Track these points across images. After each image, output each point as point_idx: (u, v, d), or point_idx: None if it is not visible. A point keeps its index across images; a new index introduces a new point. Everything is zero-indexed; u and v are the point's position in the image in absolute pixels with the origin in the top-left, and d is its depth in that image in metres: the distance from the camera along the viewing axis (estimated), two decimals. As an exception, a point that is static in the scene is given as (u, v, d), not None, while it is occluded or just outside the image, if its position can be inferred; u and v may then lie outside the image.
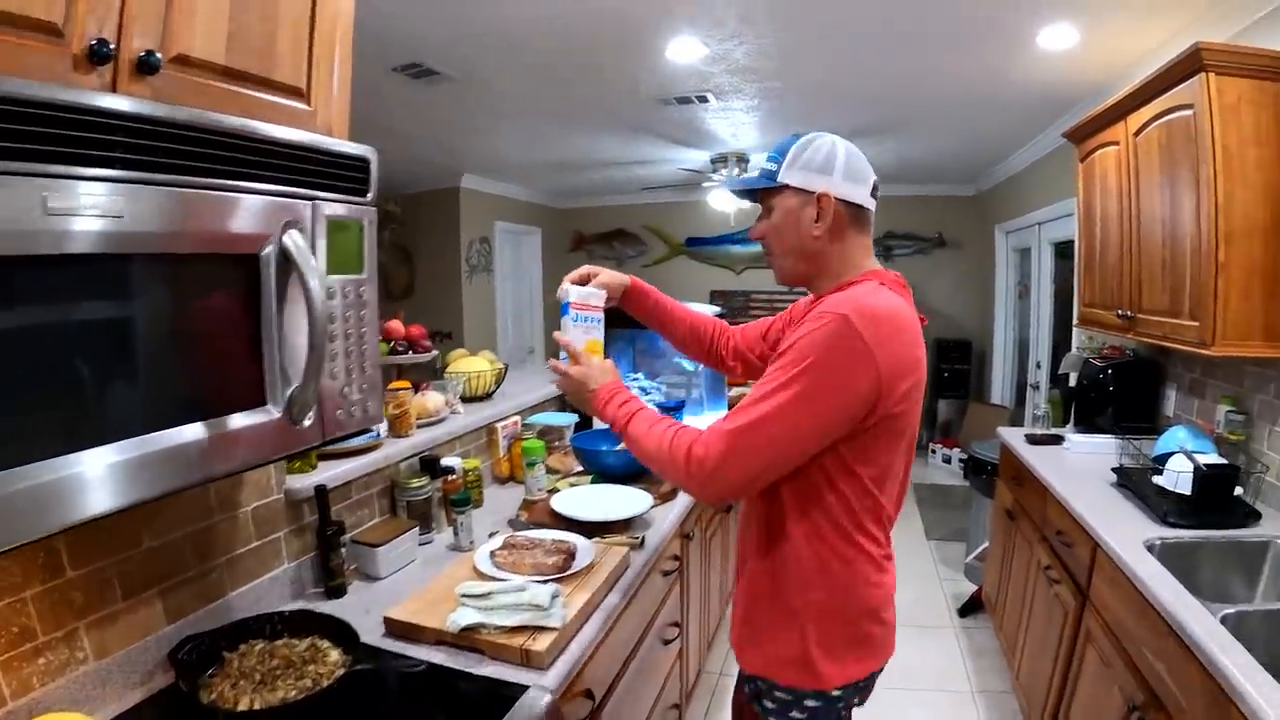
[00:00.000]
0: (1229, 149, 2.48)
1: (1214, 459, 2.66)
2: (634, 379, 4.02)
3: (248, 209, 1.30)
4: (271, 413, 1.40)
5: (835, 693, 1.63)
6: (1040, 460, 3.40)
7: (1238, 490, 2.63)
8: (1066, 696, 2.74)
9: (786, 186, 1.64)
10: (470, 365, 3.44)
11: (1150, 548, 2.37)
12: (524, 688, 1.64)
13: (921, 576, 5.10)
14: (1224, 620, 1.90)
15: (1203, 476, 2.56)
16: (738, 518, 1.84)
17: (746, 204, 7.10)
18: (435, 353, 3.22)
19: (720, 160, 6.72)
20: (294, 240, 1.36)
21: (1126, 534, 2.45)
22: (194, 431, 1.26)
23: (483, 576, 2.05)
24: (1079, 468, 3.26)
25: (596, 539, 2.37)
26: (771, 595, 1.66)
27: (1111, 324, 3.45)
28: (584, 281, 1.95)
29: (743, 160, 6.64)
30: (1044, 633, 3.03)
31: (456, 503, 2.46)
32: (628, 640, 2.29)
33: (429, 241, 8.18)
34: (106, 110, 1.07)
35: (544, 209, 9.72)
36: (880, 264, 1.70)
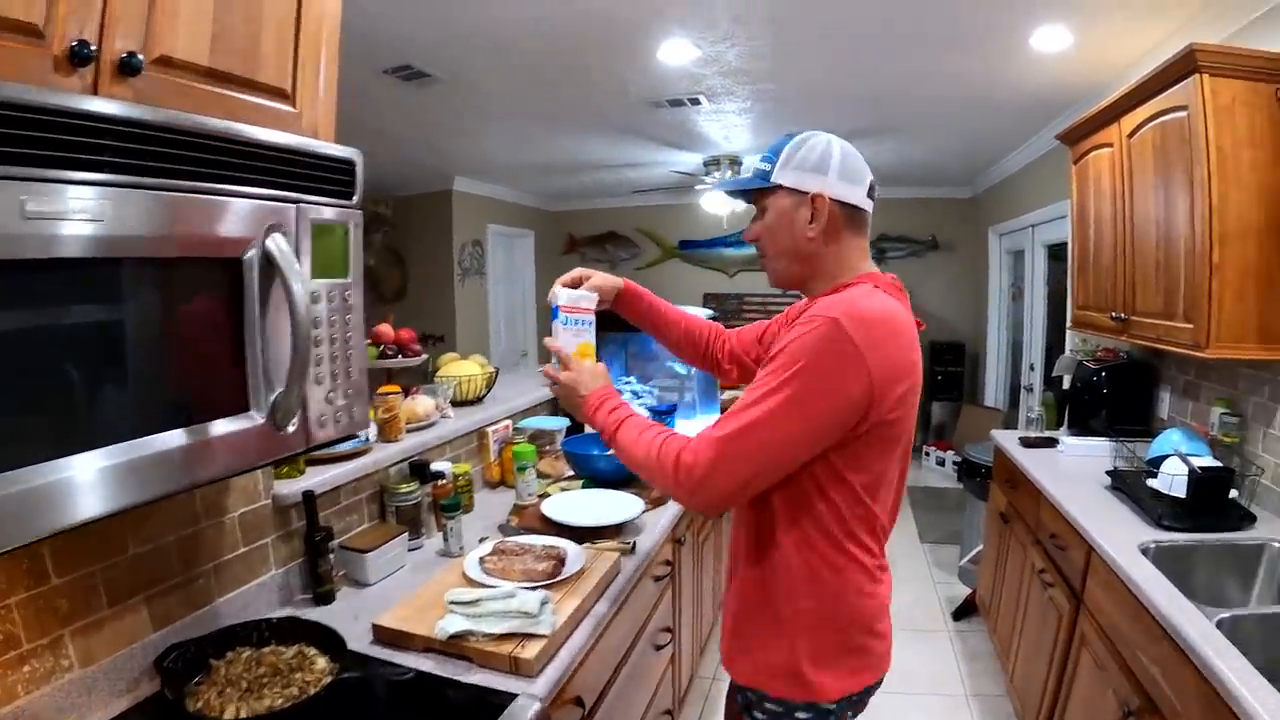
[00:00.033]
0: (1223, 150, 2.47)
1: (1208, 462, 2.65)
2: (626, 382, 4.00)
3: (230, 212, 1.28)
4: (255, 418, 1.38)
5: (828, 705, 1.60)
6: (1034, 463, 3.39)
7: (1232, 493, 2.62)
8: (1061, 700, 2.73)
9: (780, 187, 1.61)
10: (461, 369, 3.42)
11: (1145, 551, 2.35)
12: (512, 696, 1.62)
13: (916, 579, 5.09)
14: (1220, 625, 1.90)
15: (1197, 479, 2.55)
16: (729, 524, 1.81)
17: (739, 206, 7.10)
18: (425, 356, 3.20)
19: (713, 163, 6.71)
20: (277, 244, 1.34)
21: (1121, 537, 2.44)
22: (175, 438, 1.24)
23: (472, 583, 2.03)
24: (1073, 471, 3.25)
25: (587, 544, 2.35)
26: (761, 604, 1.63)
27: (1105, 326, 3.44)
28: (576, 284, 1.93)
29: (736, 163, 6.63)
30: (1038, 636, 3.02)
31: (446, 508, 2.43)
32: (619, 646, 2.27)
33: (421, 244, 8.15)
34: (85, 113, 1.05)
35: (536, 211, 9.71)
36: (876, 266, 1.67)
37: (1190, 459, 2.62)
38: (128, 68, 1.17)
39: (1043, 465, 3.35)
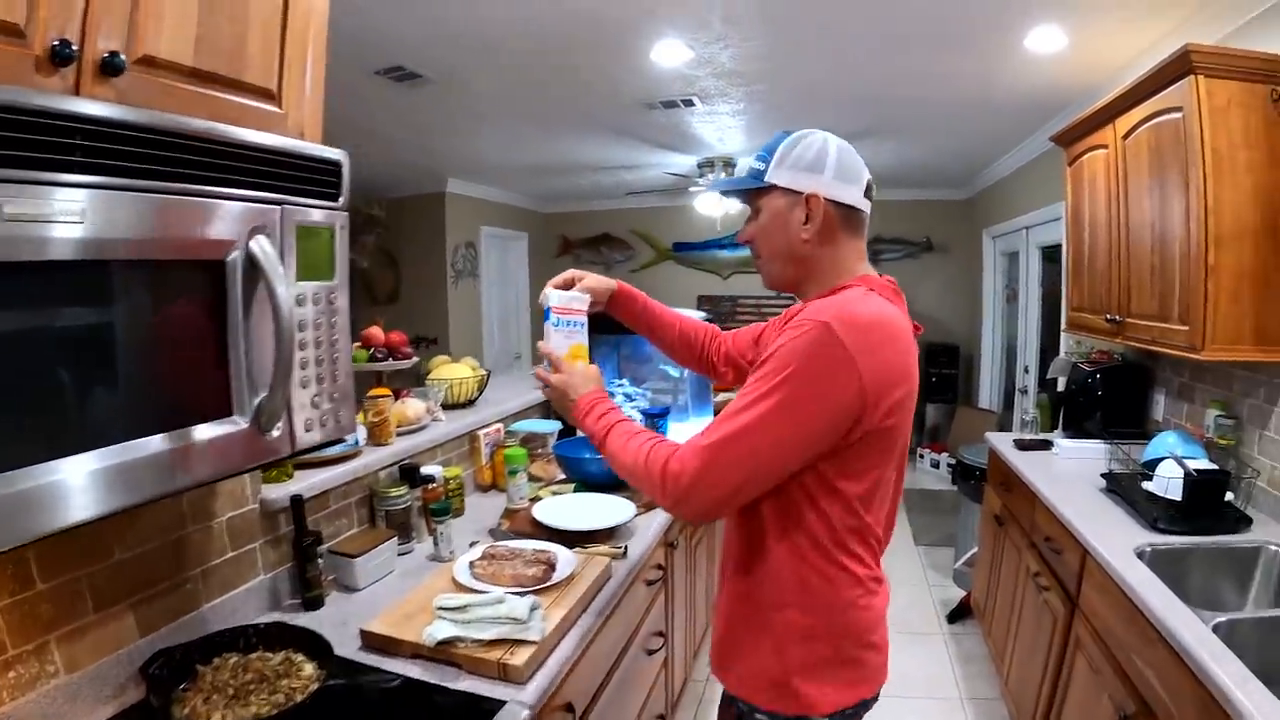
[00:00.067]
0: (1219, 152, 2.46)
1: (1204, 464, 2.64)
2: (619, 385, 3.98)
3: (213, 214, 1.27)
4: (239, 423, 1.36)
5: (821, 719, 1.56)
6: (1028, 465, 3.38)
7: (1228, 496, 2.62)
8: (1056, 704, 2.72)
9: (774, 187, 1.57)
10: (452, 372, 3.40)
11: (1140, 554, 2.34)
12: (501, 703, 1.61)
13: (910, 582, 5.08)
14: (1216, 629, 1.88)
15: (1193, 482, 2.53)
16: (722, 528, 1.78)
17: (733, 208, 7.09)
18: (416, 359, 3.18)
19: (707, 165, 6.71)
20: (261, 246, 1.33)
21: (1116, 540, 2.43)
22: (156, 443, 1.22)
23: (461, 588, 2.01)
24: (1068, 473, 3.24)
25: (578, 549, 2.33)
26: (750, 615, 1.60)
27: (1100, 328, 3.43)
28: (568, 286, 1.90)
29: (730, 165, 6.63)
30: (1033, 639, 3.01)
31: (436, 512, 2.41)
32: (610, 651, 2.25)
33: (414, 246, 8.14)
34: (66, 113, 1.04)
35: (530, 214, 9.70)
36: (873, 269, 1.64)
37: (1186, 461, 2.61)
38: (110, 68, 1.15)
39: (1037, 467, 3.34)
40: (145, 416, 1.21)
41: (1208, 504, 2.55)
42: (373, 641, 1.83)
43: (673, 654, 3.08)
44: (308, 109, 1.63)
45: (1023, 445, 3.74)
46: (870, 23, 3.48)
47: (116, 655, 1.63)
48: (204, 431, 1.30)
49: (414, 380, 3.47)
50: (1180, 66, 2.54)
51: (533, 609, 1.82)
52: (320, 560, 2.12)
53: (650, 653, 2.69)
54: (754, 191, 1.63)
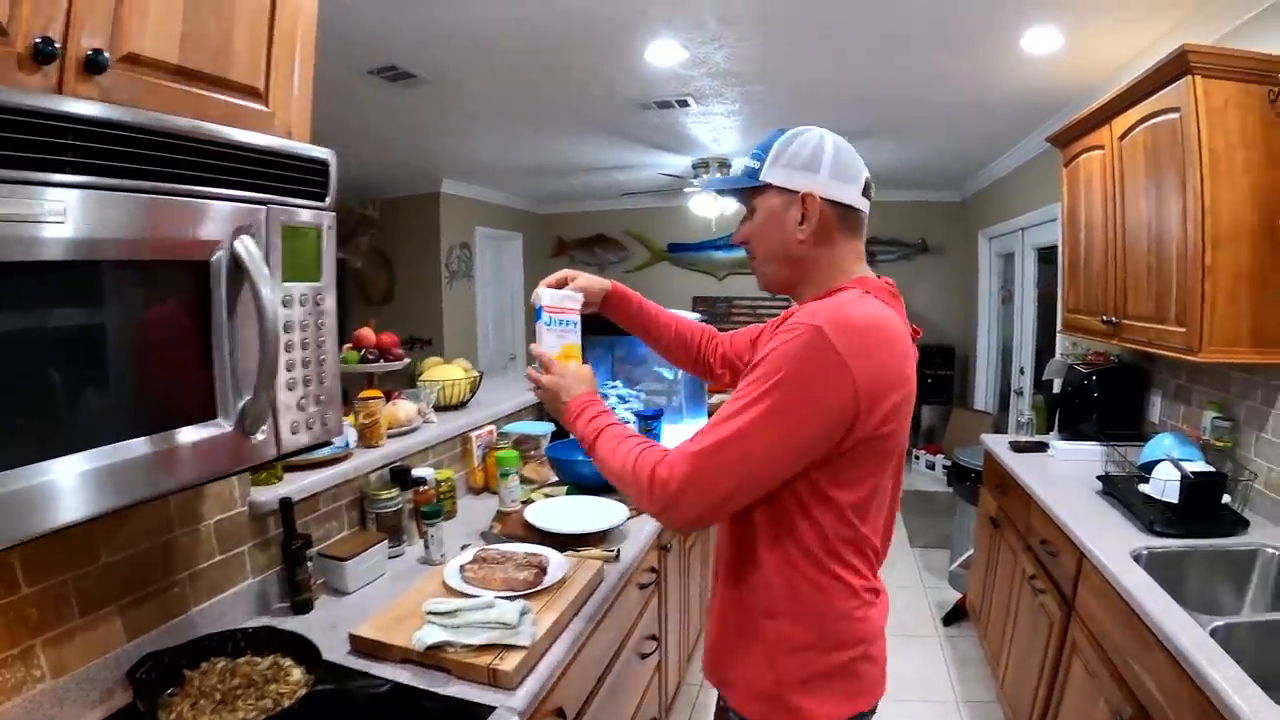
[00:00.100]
0: (1216, 152, 2.45)
1: (1201, 466, 2.63)
2: (612, 386, 3.97)
3: (197, 214, 1.25)
4: (223, 425, 1.34)
5: None
6: (1024, 467, 3.37)
7: (1225, 498, 2.61)
8: (1053, 708, 2.71)
9: (769, 186, 1.53)
10: (444, 373, 3.38)
11: (1137, 557, 2.33)
12: (491, 709, 1.59)
13: (906, 584, 5.06)
14: (1214, 633, 1.87)
15: (1190, 485, 2.52)
16: (715, 533, 1.74)
17: (728, 209, 7.05)
18: (407, 360, 3.16)
19: (702, 165, 6.70)
20: (245, 246, 1.31)
21: (1113, 543, 2.42)
22: (137, 446, 1.20)
23: (452, 592, 1.99)
24: (1064, 475, 3.23)
25: (570, 552, 2.31)
26: (742, 626, 1.56)
27: (1096, 330, 3.42)
28: (561, 286, 1.87)
29: (725, 165, 6.63)
30: (1029, 643, 3.00)
31: (427, 515, 2.39)
32: (602, 656, 2.23)
33: (409, 247, 8.12)
34: (47, 111, 1.02)
35: (525, 214, 9.69)
36: (871, 270, 1.59)
37: (1182, 464, 2.60)
38: (93, 65, 1.14)
39: (1033, 470, 3.33)
40: (127, 419, 1.20)
41: (1205, 507, 2.54)
42: (362, 646, 1.81)
43: (666, 658, 3.06)
44: (295, 108, 1.60)
45: (1018, 447, 3.72)
46: (866, 23, 3.47)
47: (104, 659, 1.61)
48: (187, 434, 1.28)
49: (406, 382, 3.45)
50: (1178, 67, 2.53)
51: (523, 613, 1.79)
52: (310, 563, 2.10)
53: (643, 656, 2.68)
54: (749, 191, 1.58)
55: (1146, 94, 2.81)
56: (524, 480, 3.03)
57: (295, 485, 2.18)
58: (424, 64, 4.01)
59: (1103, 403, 3.64)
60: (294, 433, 1.48)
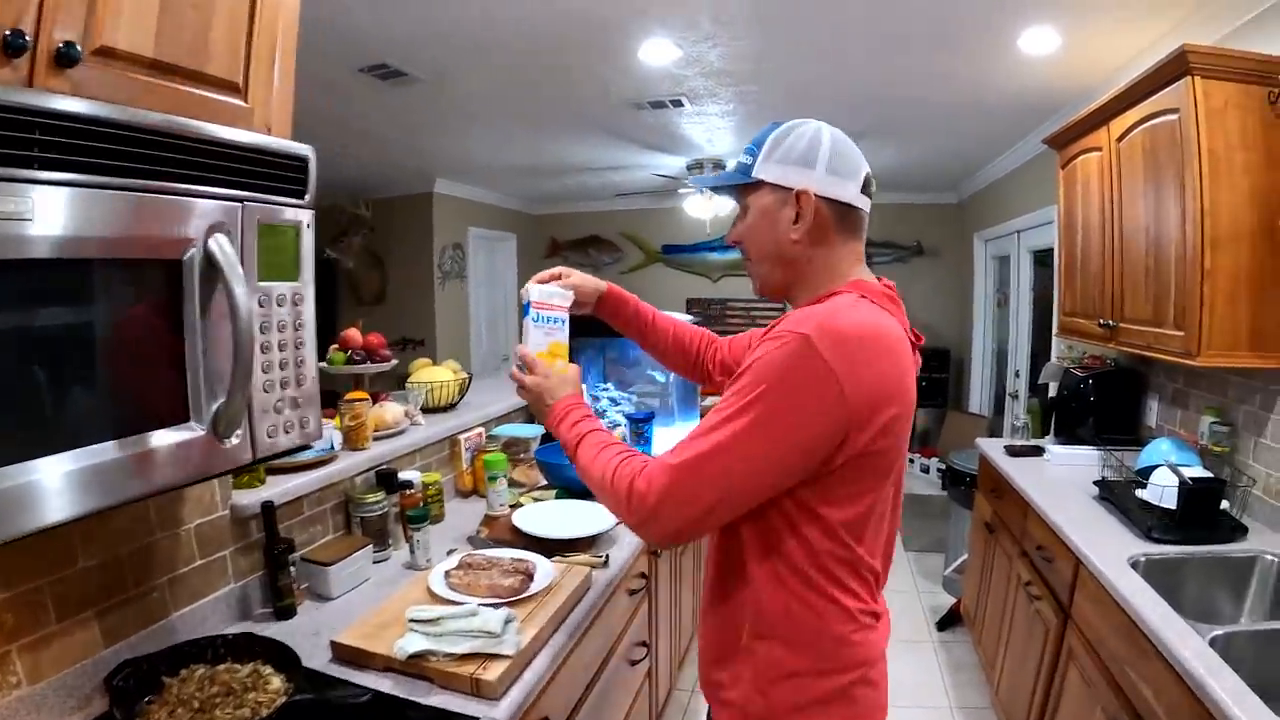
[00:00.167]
0: (1215, 154, 2.43)
1: (1199, 472, 2.60)
2: (604, 389, 3.94)
3: (170, 211, 1.22)
4: (195, 429, 1.31)
5: None
6: (1020, 472, 3.34)
7: (1223, 504, 2.59)
8: (1048, 715, 2.69)
9: (762, 183, 1.44)
10: (433, 375, 3.35)
11: (1134, 564, 2.31)
12: (474, 719, 1.56)
13: (899, 589, 5.03)
14: (1213, 642, 1.85)
15: (1188, 491, 2.50)
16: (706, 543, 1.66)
17: (723, 210, 6.99)
18: (394, 361, 3.12)
19: (696, 166, 6.67)
20: (219, 244, 1.28)
21: (1109, 550, 2.40)
22: (107, 450, 1.17)
23: (436, 598, 1.96)
24: (1060, 480, 3.20)
25: (558, 557, 2.28)
26: (733, 641, 1.47)
27: (1093, 333, 3.40)
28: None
29: (719, 166, 6.59)
30: (1024, 649, 2.98)
31: (413, 519, 2.35)
32: (590, 664, 2.20)
33: (401, 247, 8.09)
34: (15, 105, 1.00)
35: (519, 215, 9.66)
36: (871, 273, 1.49)
37: (1180, 469, 2.57)
38: (65, 59, 1.11)
39: (1029, 474, 3.31)
40: (94, 422, 1.17)
41: (1203, 513, 2.52)
42: (343, 654, 1.78)
43: (657, 665, 3.03)
44: (276, 103, 1.57)
45: (1014, 451, 3.70)
46: (861, 23, 3.45)
47: (81, 666, 1.58)
48: (157, 438, 1.25)
49: (396, 383, 3.41)
50: (1177, 67, 2.50)
51: (507, 622, 1.76)
52: (293, 568, 2.07)
53: (633, 663, 2.65)
54: (742, 188, 1.50)
55: (1145, 95, 2.79)
56: (513, 484, 3.00)
57: (278, 489, 2.15)
58: (415, 62, 3.98)
59: (1099, 407, 3.61)
60: (270, 436, 1.45)
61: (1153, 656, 1.91)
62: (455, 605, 1.85)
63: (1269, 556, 2.39)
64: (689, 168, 6.74)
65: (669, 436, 3.61)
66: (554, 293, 1.75)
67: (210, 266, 1.27)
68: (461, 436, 3.12)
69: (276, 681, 1.61)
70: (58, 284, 1.10)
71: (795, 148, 1.43)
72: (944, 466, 5.27)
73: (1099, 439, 3.49)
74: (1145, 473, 2.76)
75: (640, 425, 3.44)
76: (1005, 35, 3.51)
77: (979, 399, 7.67)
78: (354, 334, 3.02)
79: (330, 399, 2.53)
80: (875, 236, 8.21)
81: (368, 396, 2.71)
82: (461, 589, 1.98)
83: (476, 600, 1.90)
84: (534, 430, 3.38)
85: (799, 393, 1.24)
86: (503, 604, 1.89)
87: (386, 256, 8.26)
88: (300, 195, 1.48)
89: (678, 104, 4.86)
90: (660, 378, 4.00)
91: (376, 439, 2.72)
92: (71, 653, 1.57)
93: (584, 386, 3.77)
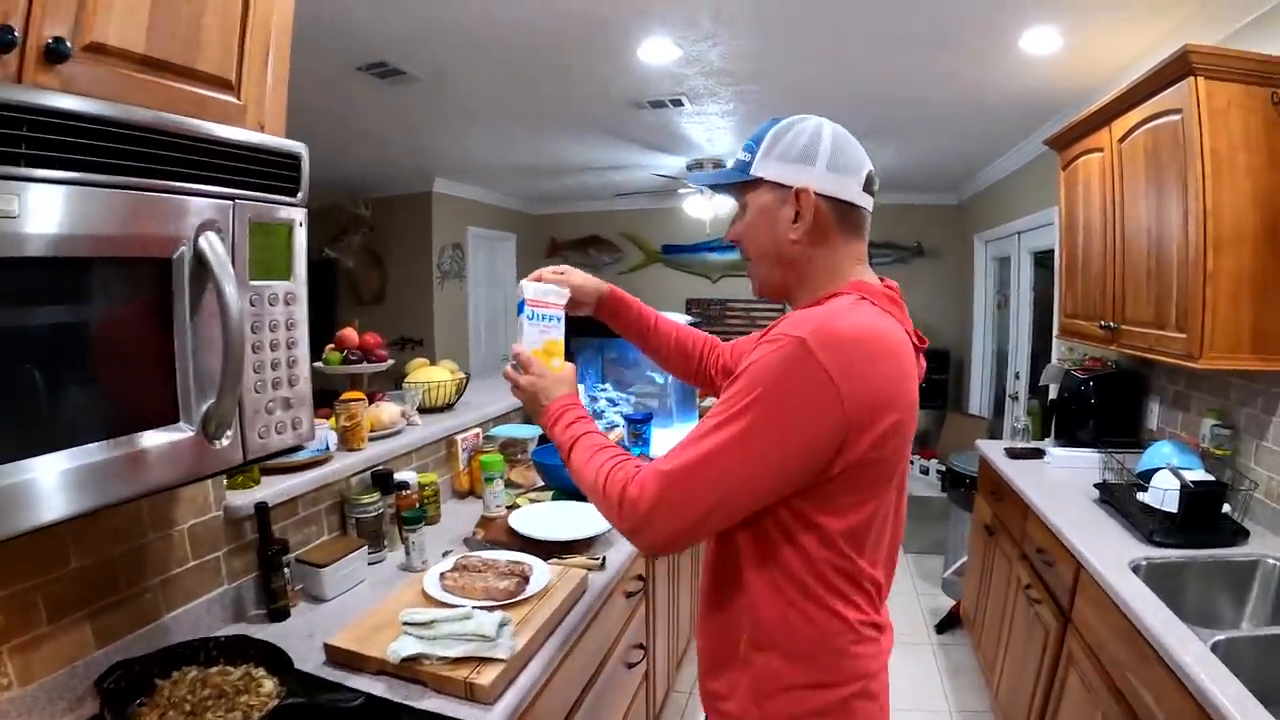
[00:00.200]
0: (1218, 154, 2.41)
1: (1201, 475, 2.59)
2: (602, 389, 3.92)
3: (160, 209, 1.21)
4: (185, 430, 1.29)
5: None
6: (1020, 474, 3.33)
7: (1225, 508, 2.57)
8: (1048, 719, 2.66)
9: (761, 180, 1.41)
10: (430, 375, 3.34)
11: (1136, 568, 2.29)
12: (468, 724, 1.55)
13: (898, 590, 4.98)
14: (1215, 648, 1.83)
15: (1190, 494, 2.48)
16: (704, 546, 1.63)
17: (723, 211, 6.95)
18: (391, 362, 3.10)
19: (696, 166, 6.66)
20: (210, 243, 1.26)
21: (1110, 553, 2.38)
22: (94, 451, 1.15)
23: (431, 601, 1.95)
24: (1060, 483, 3.19)
25: (555, 559, 2.27)
26: (730, 649, 1.43)
27: (1094, 335, 3.38)
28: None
29: (719, 166, 6.56)
30: (1024, 653, 2.96)
31: (408, 520, 2.34)
32: (586, 667, 2.19)
33: (401, 246, 8.08)
34: (3, 102, 0.99)
35: (518, 215, 9.65)
36: (874, 274, 1.46)
37: (1182, 472, 2.55)
38: (54, 54, 1.10)
39: (1029, 477, 3.29)
40: (82, 423, 1.15)
41: (1204, 516, 2.50)
42: (337, 656, 1.77)
43: (654, 666, 3.02)
44: (269, 101, 1.55)
45: (1014, 454, 3.69)
46: (862, 22, 3.43)
47: (72, 667, 1.58)
48: (147, 439, 1.23)
49: (393, 383, 3.40)
50: (1180, 68, 2.49)
51: (501, 625, 1.75)
52: (287, 570, 2.06)
53: (630, 666, 2.63)
54: (741, 186, 1.47)
55: (1147, 95, 2.77)
56: (510, 485, 2.98)
57: (273, 489, 2.14)
58: (414, 61, 3.96)
59: (1100, 409, 3.59)
60: (262, 437, 1.43)
61: (1154, 661, 1.90)
62: (450, 608, 1.84)
63: (1270, 560, 2.37)
64: (689, 168, 6.73)
65: (667, 437, 3.59)
66: (549, 290, 1.70)
67: (200, 265, 1.26)
68: (458, 437, 3.10)
69: (269, 684, 1.61)
70: (45, 282, 1.09)
71: (795, 144, 1.39)
72: (944, 468, 5.26)
73: (1100, 441, 3.47)
74: (1146, 476, 2.74)
75: (638, 426, 3.42)
76: (1006, 35, 3.49)
77: (979, 400, 7.66)
78: (350, 333, 3.01)
79: (327, 399, 2.52)
80: (875, 237, 8.10)
81: (364, 396, 2.70)
82: (456, 591, 1.97)
83: (471, 603, 1.89)
84: (532, 431, 3.36)
85: (794, 398, 1.20)
86: (498, 607, 1.88)
87: (386, 256, 8.25)
88: (293, 193, 1.46)
89: (678, 103, 4.85)
90: (659, 379, 3.99)
91: (372, 439, 2.71)
92: (63, 654, 1.56)
93: (581, 387, 3.76)
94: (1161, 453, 2.88)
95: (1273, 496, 2.61)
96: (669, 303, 8.68)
